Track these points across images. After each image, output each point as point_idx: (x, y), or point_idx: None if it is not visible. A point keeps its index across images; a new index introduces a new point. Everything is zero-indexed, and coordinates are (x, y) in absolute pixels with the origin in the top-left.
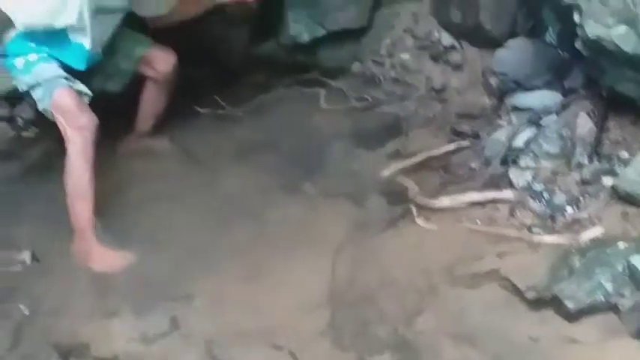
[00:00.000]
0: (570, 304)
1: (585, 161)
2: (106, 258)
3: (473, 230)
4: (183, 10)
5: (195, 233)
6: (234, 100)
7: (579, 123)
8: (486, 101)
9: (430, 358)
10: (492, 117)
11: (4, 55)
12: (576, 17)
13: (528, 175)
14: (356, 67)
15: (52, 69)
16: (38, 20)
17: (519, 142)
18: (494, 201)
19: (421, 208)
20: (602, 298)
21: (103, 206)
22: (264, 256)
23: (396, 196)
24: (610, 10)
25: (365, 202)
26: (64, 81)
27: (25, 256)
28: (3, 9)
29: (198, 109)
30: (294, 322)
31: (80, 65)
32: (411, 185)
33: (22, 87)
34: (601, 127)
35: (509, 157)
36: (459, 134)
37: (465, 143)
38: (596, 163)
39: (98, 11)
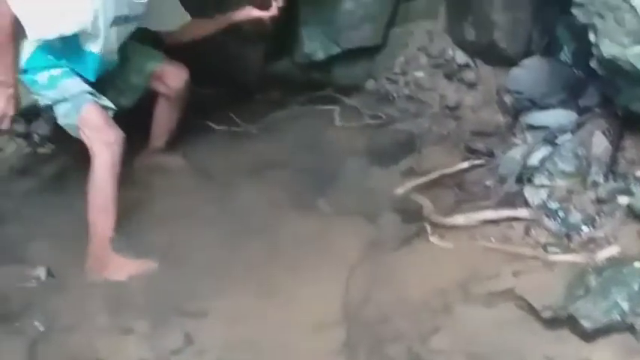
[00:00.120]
0: (586, 324)
1: (601, 180)
2: (122, 267)
3: (488, 248)
4: (197, 28)
5: (209, 249)
6: (248, 117)
7: (595, 142)
8: (500, 119)
9: None
10: (507, 135)
11: (24, 71)
12: (592, 37)
13: (543, 194)
14: (370, 84)
15: (78, 84)
16: (50, 28)
17: (534, 160)
18: (509, 219)
19: (435, 225)
20: (619, 318)
21: (116, 221)
22: (278, 273)
23: (411, 213)
24: (625, 30)
25: (379, 219)
26: (90, 96)
27: (40, 272)
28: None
29: (213, 125)
30: (308, 340)
31: (94, 75)
32: (425, 203)
33: (45, 102)
34: (616, 145)
35: (524, 176)
36: (473, 152)
37: (479, 161)
38: (611, 182)
39: (114, 21)
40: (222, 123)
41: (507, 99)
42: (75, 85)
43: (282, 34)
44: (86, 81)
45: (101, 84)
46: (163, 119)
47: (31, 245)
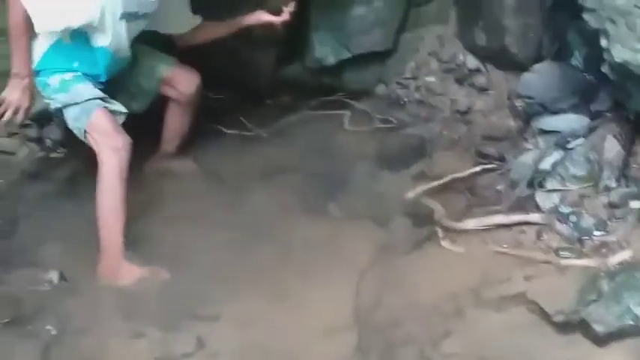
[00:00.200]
0: (599, 328)
1: (613, 184)
2: (133, 273)
3: (499, 253)
4: (208, 31)
5: (220, 254)
6: (259, 121)
7: (606, 146)
8: (511, 124)
9: None
10: (518, 140)
11: (36, 73)
12: (603, 42)
13: (555, 198)
14: (380, 89)
15: (89, 89)
16: (57, 21)
17: (546, 164)
18: (520, 224)
19: (447, 230)
20: (631, 322)
21: (127, 226)
22: (289, 277)
23: (422, 218)
24: (637, 35)
25: (390, 223)
26: (101, 102)
27: (53, 275)
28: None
29: (224, 130)
30: (319, 344)
31: (106, 72)
32: (436, 207)
33: (55, 105)
34: (628, 150)
35: (536, 180)
36: (484, 156)
37: (490, 165)
38: (623, 187)
39: (123, 17)
40: (233, 127)
41: (518, 104)
42: (86, 90)
43: (293, 38)
44: (98, 85)
45: (113, 88)
46: (174, 124)
47: (43, 249)
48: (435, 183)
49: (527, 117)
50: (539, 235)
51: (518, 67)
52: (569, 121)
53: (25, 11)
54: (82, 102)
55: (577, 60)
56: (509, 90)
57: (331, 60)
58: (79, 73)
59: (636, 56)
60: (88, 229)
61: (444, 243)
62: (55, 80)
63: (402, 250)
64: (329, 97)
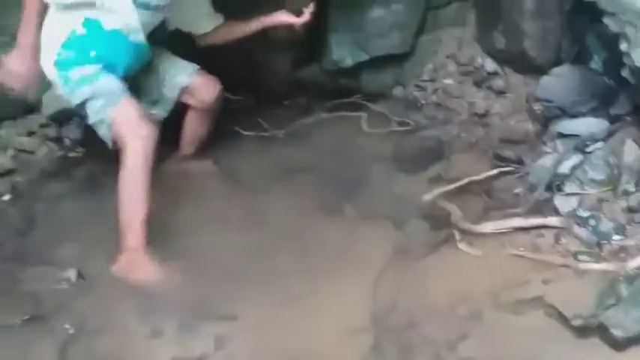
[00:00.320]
0: (617, 333)
1: (632, 189)
2: (151, 270)
3: (517, 256)
4: (229, 30)
5: (237, 254)
6: (276, 122)
7: (626, 150)
8: (530, 127)
9: None
10: (536, 143)
11: (55, 65)
12: (623, 46)
13: (574, 202)
14: (398, 91)
15: (113, 81)
16: None
17: (565, 168)
18: (538, 227)
19: (464, 233)
20: None
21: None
22: (306, 278)
23: (439, 220)
24: None
25: (406, 226)
26: (126, 93)
27: (71, 274)
28: None
29: (241, 131)
30: (337, 345)
31: (124, 58)
32: (453, 210)
33: (77, 100)
34: None
35: (554, 184)
36: (502, 160)
37: (508, 169)
38: None
39: (136, 2)
40: (251, 128)
41: (537, 107)
42: (110, 82)
43: (310, 40)
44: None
45: (134, 94)
46: (193, 129)
47: (61, 247)
48: (452, 186)
49: (545, 120)
50: (557, 239)
51: (536, 70)
52: (588, 125)
53: None
54: (106, 93)
55: (596, 64)
56: (528, 93)
57: (349, 62)
58: (100, 66)
59: None
60: (106, 228)
61: (461, 246)
62: (76, 73)
63: (418, 253)
64: (346, 99)
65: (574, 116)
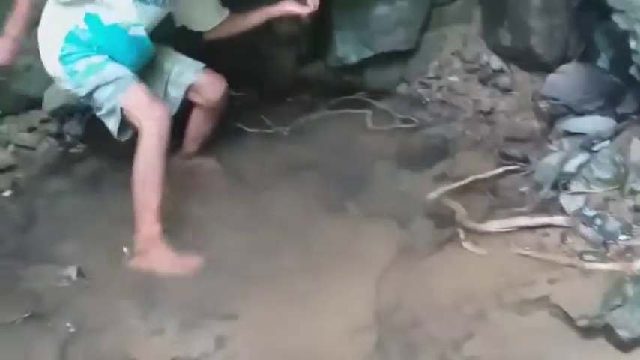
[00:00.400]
0: (623, 333)
1: (638, 188)
2: (167, 260)
3: (522, 255)
4: (235, 23)
5: (240, 252)
6: (280, 119)
7: (632, 149)
8: (535, 125)
9: None
10: (542, 141)
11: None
12: (632, 43)
13: (580, 201)
14: (402, 88)
15: (120, 68)
16: None
17: (571, 167)
18: (544, 226)
19: (469, 231)
20: None
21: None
22: (309, 276)
23: (443, 219)
24: None
25: (411, 224)
26: (134, 78)
27: (71, 271)
28: None
29: (245, 128)
30: (340, 344)
31: (126, 52)
32: (458, 208)
33: (84, 90)
34: None
35: (560, 183)
36: (508, 158)
37: (514, 167)
38: None
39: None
40: (254, 125)
41: (543, 105)
42: (117, 69)
43: (315, 36)
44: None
45: None
46: (198, 127)
47: (62, 244)
48: (457, 184)
49: (551, 118)
50: (563, 239)
51: (543, 68)
52: (594, 123)
53: None
54: (115, 79)
55: (603, 61)
56: (534, 91)
57: (353, 59)
58: (106, 56)
59: None
60: (108, 224)
61: (466, 244)
62: (81, 65)
63: (423, 251)
64: (350, 96)
65: (580, 114)
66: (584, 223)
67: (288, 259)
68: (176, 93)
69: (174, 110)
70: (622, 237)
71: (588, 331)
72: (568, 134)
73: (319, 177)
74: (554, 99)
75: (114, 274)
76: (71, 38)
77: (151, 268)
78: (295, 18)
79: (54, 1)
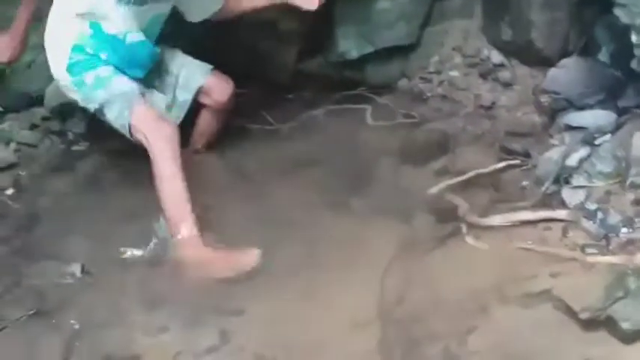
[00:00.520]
0: (625, 326)
1: None
2: (223, 261)
3: (524, 249)
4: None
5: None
6: (281, 115)
7: (634, 143)
8: (536, 120)
9: None
10: (543, 135)
11: (68, 70)
12: (634, 37)
13: (581, 195)
14: (403, 83)
15: (126, 82)
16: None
17: (572, 161)
18: (546, 220)
19: (471, 226)
20: None
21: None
22: (313, 272)
23: (445, 213)
24: None
25: (413, 219)
26: (140, 94)
27: (75, 268)
28: None
29: (246, 124)
30: (343, 339)
31: (132, 63)
32: (460, 203)
33: (94, 105)
34: None
35: (562, 176)
36: (509, 152)
37: (515, 161)
38: None
39: (128, 2)
40: (255, 121)
41: (544, 99)
42: (123, 83)
43: (315, 32)
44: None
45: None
46: (205, 127)
47: (65, 242)
48: (459, 178)
49: (552, 113)
50: (565, 232)
51: (544, 62)
52: (596, 117)
53: None
54: (121, 95)
55: (604, 55)
56: (535, 85)
57: (354, 54)
58: (113, 67)
59: None
60: (111, 221)
61: (468, 239)
62: (90, 77)
63: (425, 246)
64: (351, 92)
65: (581, 108)
66: (586, 217)
67: (291, 254)
68: (185, 97)
69: (182, 116)
70: (624, 230)
71: (591, 324)
72: (569, 128)
73: (321, 172)
74: (555, 93)
75: (117, 270)
76: (79, 47)
77: (211, 276)
78: (301, 12)
79: (58, 11)
